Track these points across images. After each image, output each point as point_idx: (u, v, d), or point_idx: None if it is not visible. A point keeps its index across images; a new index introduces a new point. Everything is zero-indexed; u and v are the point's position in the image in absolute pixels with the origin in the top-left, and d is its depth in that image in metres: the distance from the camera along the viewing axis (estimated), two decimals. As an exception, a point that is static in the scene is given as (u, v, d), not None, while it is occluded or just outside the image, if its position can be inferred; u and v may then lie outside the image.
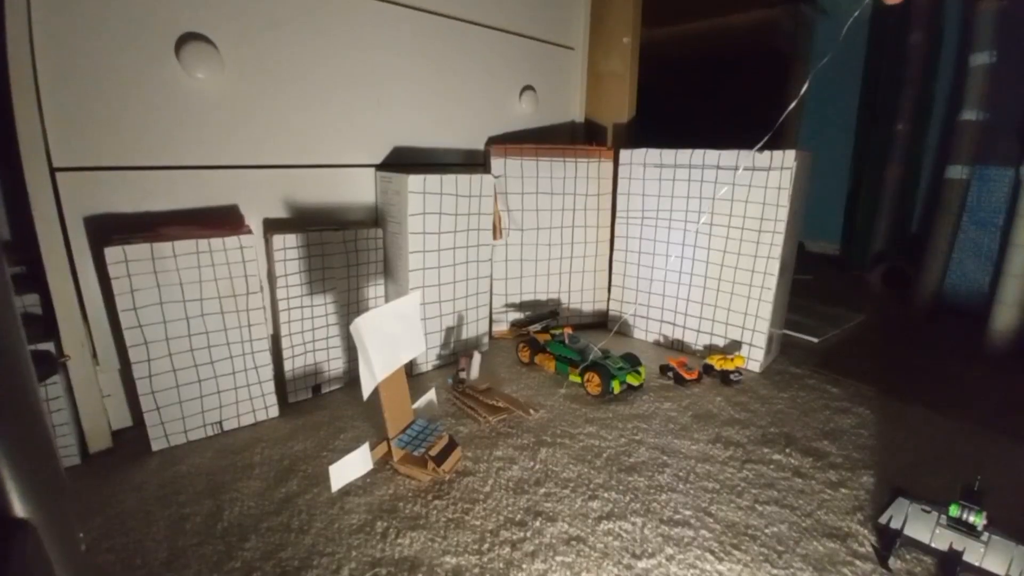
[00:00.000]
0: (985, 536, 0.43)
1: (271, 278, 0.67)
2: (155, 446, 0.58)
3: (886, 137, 1.41)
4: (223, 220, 0.65)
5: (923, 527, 0.45)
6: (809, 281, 1.33)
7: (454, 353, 0.83)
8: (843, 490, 0.54)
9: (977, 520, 0.43)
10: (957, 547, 0.43)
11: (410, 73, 0.81)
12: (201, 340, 0.59)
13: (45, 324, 0.54)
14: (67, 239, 0.55)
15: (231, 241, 0.59)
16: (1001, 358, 0.90)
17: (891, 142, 1.39)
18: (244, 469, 0.55)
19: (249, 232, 0.61)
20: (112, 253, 0.53)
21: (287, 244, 0.65)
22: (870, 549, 0.46)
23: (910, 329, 1.07)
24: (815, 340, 0.95)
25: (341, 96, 0.74)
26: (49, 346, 0.53)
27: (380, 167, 0.80)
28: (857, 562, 0.44)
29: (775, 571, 0.43)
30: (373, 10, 0.75)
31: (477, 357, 0.77)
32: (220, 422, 0.62)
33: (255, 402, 0.64)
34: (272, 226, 0.69)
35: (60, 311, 0.54)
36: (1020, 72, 0.96)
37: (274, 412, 0.65)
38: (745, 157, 0.77)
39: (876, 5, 1.47)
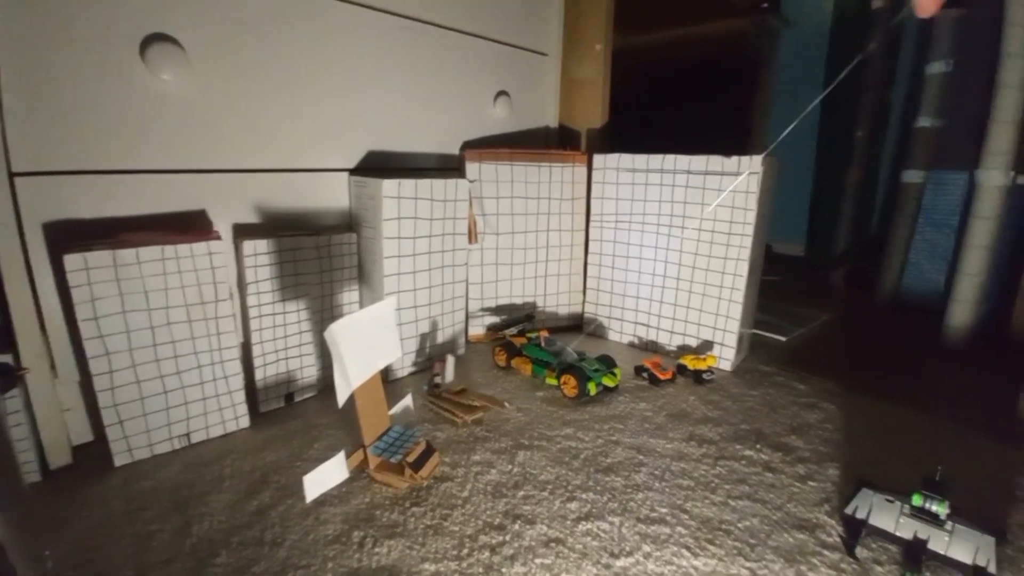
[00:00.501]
0: (949, 525, 0.45)
1: (241, 285, 0.65)
2: (118, 461, 0.56)
3: (846, 143, 1.46)
4: (190, 226, 0.63)
5: (887, 517, 0.47)
6: (777, 282, 1.37)
7: (430, 358, 0.82)
8: (811, 483, 0.55)
9: (940, 509, 0.45)
10: (921, 536, 0.45)
11: (384, 77, 0.81)
12: (167, 350, 0.57)
13: (1, 335, 0.52)
14: (25, 246, 0.52)
15: (199, 247, 0.57)
16: (957, 352, 0.94)
17: (851, 148, 1.45)
18: (213, 482, 0.54)
19: (218, 238, 0.59)
20: (72, 260, 0.51)
21: (258, 250, 0.64)
22: (838, 539, 0.47)
23: (871, 326, 1.11)
24: (783, 339, 0.98)
25: (313, 99, 0.73)
26: (7, 359, 0.51)
27: (354, 171, 0.79)
28: (825, 552, 0.46)
29: (748, 564, 0.44)
30: (345, 13, 0.74)
31: (451, 360, 0.76)
32: (187, 434, 0.60)
33: (225, 412, 0.62)
34: (242, 231, 0.68)
35: (17, 322, 0.51)
36: (975, 80, 1.01)
37: (245, 422, 0.64)
38: (715, 162, 0.79)
39: (837, 17, 1.53)
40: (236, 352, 0.62)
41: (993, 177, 0.88)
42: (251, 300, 0.64)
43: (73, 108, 0.55)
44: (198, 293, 0.58)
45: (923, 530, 0.45)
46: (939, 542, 0.44)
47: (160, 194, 0.61)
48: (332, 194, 0.78)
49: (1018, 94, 0.84)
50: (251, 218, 0.69)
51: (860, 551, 0.46)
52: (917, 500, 0.46)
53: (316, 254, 0.70)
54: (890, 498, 0.49)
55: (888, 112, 1.42)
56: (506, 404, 0.68)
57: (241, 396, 0.63)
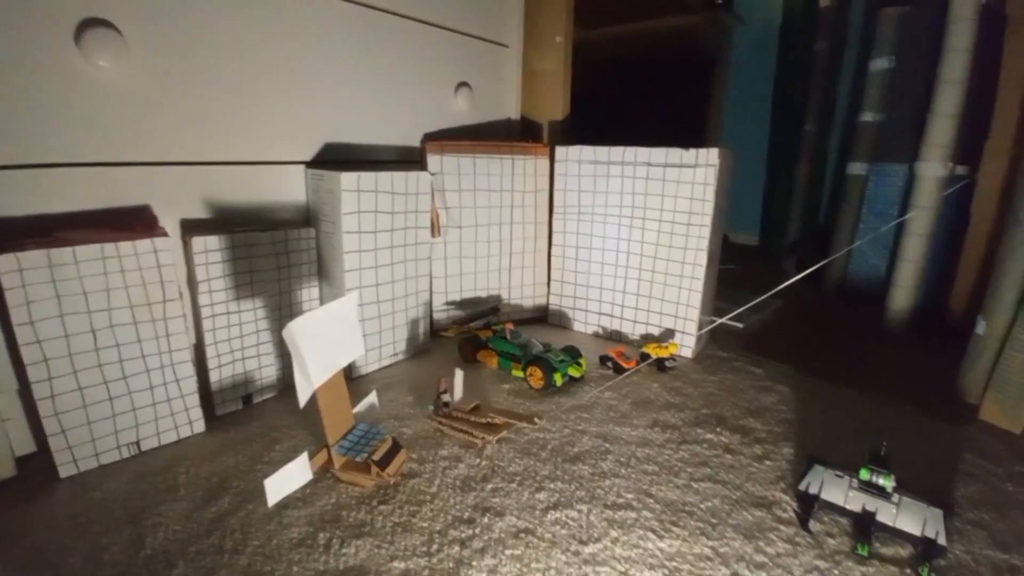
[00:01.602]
0: (896, 498, 0.48)
1: (192, 283, 0.62)
2: (63, 472, 0.52)
3: (796, 137, 1.52)
4: (133, 222, 0.60)
5: (837, 491, 0.49)
6: (733, 270, 1.42)
7: (395, 353, 0.81)
8: (767, 462, 0.58)
9: (886, 483, 0.48)
10: (869, 508, 0.47)
11: (341, 67, 0.79)
12: (111, 354, 0.54)
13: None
14: (-55, 246, 0.48)
15: (143, 244, 0.54)
16: (898, 335, 1.00)
17: (800, 141, 1.51)
18: (167, 491, 0.51)
19: (164, 234, 0.56)
20: (3, 261, 0.47)
21: (209, 247, 0.61)
22: (792, 515, 0.49)
23: (821, 312, 1.16)
24: (740, 325, 1.02)
25: (266, 89, 0.70)
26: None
27: (311, 164, 0.77)
28: (782, 527, 0.48)
29: (711, 543, 0.46)
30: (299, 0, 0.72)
31: (459, 375, 0.68)
32: (137, 442, 0.57)
33: (177, 417, 0.59)
34: (191, 227, 0.65)
35: (-62, 328, 0.48)
36: (915, 76, 1.06)
37: (200, 427, 0.61)
38: (674, 154, 0.81)
39: (786, 15, 1.58)
40: (188, 354, 0.59)
41: (931, 168, 0.93)
42: (203, 299, 0.61)
43: (2, 98, 0.50)
44: (144, 293, 0.55)
45: (871, 503, 0.48)
46: (887, 514, 0.47)
47: (100, 189, 0.58)
48: (287, 188, 0.75)
49: (957, 89, 0.89)
50: (200, 213, 0.66)
51: (813, 525, 0.48)
52: (864, 474, 0.49)
53: (272, 250, 0.67)
54: (840, 473, 0.51)
55: (834, 107, 1.49)
56: (536, 419, 0.62)
57: (195, 400, 0.60)
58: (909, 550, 0.46)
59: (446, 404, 0.65)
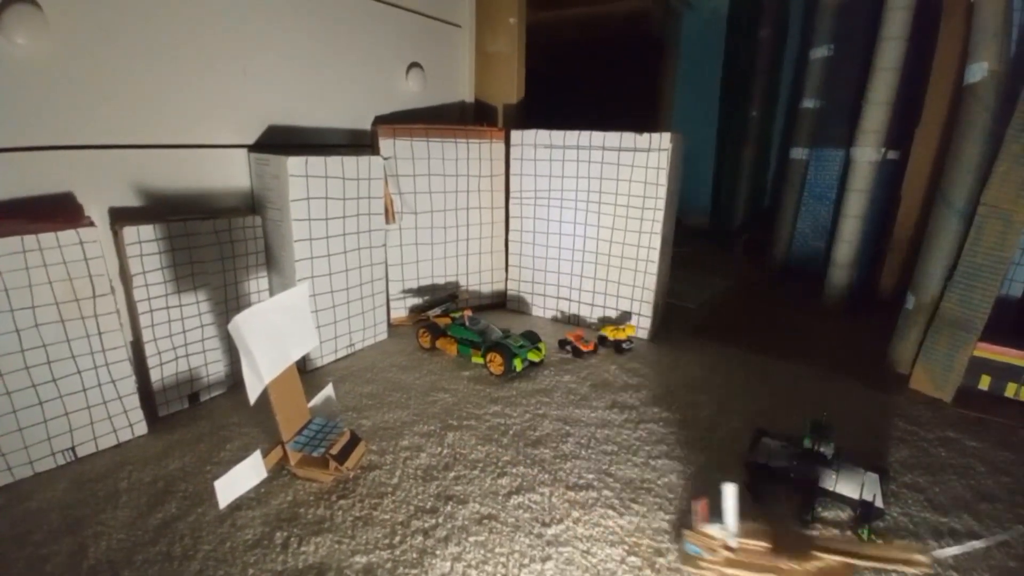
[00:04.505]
0: (835, 464, 0.51)
1: (125, 277, 0.58)
2: (-2, 481, 0.49)
3: (742, 122, 1.57)
4: (54, 211, 0.55)
5: (783, 460, 0.52)
6: (686, 253, 1.46)
7: (352, 344, 0.79)
8: (719, 436, 0.60)
9: (827, 450, 0.51)
10: (811, 476, 0.50)
11: (284, 44, 0.74)
12: (38, 355, 0.50)
13: None
14: None
15: (67, 236, 0.50)
16: (836, 311, 1.06)
17: (746, 126, 1.56)
18: (108, 498, 0.48)
19: (90, 224, 0.52)
20: None
21: (142, 237, 0.57)
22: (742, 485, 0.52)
23: (765, 291, 1.22)
24: (692, 306, 1.05)
25: (201, 66, 0.65)
26: None
27: (254, 148, 0.73)
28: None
29: (668, 516, 0.47)
30: (231, -29, 0.67)
31: (731, 492, 0.40)
32: (72, 448, 0.53)
33: (115, 420, 0.55)
34: (121, 216, 0.60)
35: None
36: (852, 63, 1.11)
37: (141, 429, 0.57)
38: (628, 139, 0.82)
39: (732, 1, 1.62)
40: (124, 352, 0.55)
41: (866, 154, 0.99)
42: (139, 293, 0.57)
43: None
44: (70, 289, 0.50)
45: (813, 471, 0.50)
46: (828, 480, 0.50)
47: (17, 176, 0.53)
48: (229, 173, 0.71)
49: (891, 76, 0.94)
50: (131, 201, 0.62)
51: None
52: (807, 443, 0.52)
53: (215, 239, 0.64)
54: (784, 444, 0.54)
55: (777, 93, 1.54)
56: (919, 557, 0.39)
57: (134, 400, 0.57)
58: (849, 513, 0.49)
59: (728, 548, 0.40)
